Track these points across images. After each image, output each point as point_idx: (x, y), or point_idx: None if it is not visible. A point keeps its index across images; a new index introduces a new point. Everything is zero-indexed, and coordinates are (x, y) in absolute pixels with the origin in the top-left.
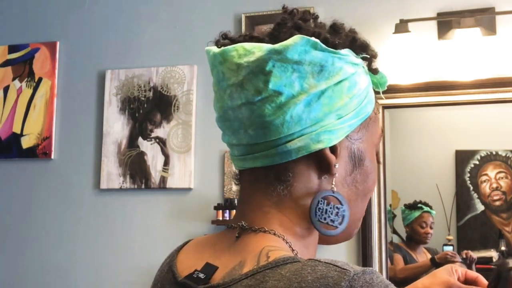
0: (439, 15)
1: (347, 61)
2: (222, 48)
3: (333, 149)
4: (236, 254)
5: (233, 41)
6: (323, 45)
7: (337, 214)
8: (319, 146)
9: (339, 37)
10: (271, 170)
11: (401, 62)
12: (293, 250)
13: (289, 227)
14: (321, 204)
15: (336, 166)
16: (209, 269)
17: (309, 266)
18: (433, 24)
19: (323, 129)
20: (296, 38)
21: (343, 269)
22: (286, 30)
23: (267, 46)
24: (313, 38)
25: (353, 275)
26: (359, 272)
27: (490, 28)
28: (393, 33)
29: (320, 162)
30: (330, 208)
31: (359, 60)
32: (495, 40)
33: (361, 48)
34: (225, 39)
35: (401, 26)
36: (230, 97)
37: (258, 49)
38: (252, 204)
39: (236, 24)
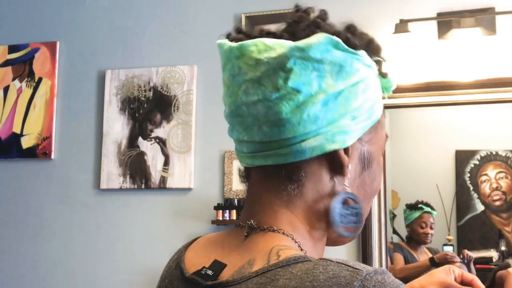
0: (439, 15)
1: (364, 62)
2: (240, 42)
3: (346, 150)
4: (245, 252)
5: (248, 36)
6: (344, 45)
7: (355, 214)
8: (334, 147)
9: (357, 38)
10: (283, 168)
11: (401, 62)
12: (302, 249)
13: (298, 226)
14: (343, 209)
15: (349, 168)
16: (218, 266)
17: (320, 266)
18: (433, 24)
19: (338, 130)
20: (320, 37)
21: (355, 268)
22: (304, 28)
23: (289, 43)
24: (335, 38)
25: (365, 274)
26: (371, 272)
27: (490, 28)
28: (393, 33)
29: (333, 162)
30: (348, 210)
31: (373, 63)
32: (495, 40)
33: (376, 51)
34: (239, 33)
35: (401, 26)
36: (245, 92)
37: (280, 46)
38: (261, 203)
39: (236, 24)
